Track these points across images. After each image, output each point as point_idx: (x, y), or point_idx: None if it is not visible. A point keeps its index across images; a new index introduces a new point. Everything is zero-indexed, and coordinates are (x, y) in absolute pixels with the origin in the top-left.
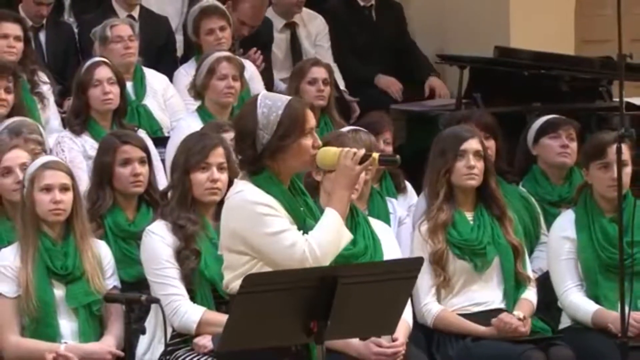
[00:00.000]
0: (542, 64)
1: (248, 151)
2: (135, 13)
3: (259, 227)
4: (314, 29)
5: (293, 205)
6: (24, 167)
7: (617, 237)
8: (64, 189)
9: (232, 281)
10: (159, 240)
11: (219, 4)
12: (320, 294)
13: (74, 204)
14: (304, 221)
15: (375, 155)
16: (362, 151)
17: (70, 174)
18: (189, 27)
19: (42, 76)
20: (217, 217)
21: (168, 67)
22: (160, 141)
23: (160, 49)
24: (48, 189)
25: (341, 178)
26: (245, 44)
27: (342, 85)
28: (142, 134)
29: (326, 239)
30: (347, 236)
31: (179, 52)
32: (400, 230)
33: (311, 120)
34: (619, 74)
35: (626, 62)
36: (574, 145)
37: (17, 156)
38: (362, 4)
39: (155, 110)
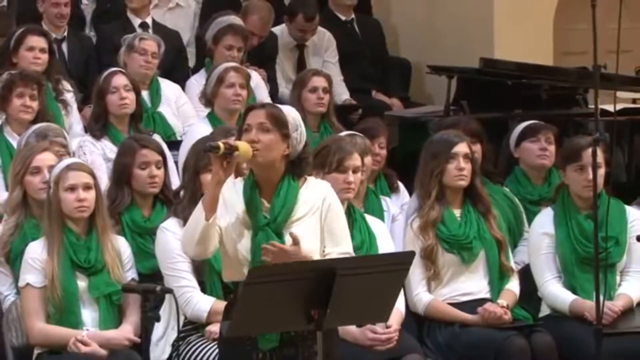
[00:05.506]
0: (524, 74)
1: None
2: (149, 20)
3: None
4: (323, 45)
5: (250, 202)
6: (51, 169)
7: (592, 232)
8: (87, 187)
9: None
10: (171, 236)
11: (244, 25)
12: (320, 284)
13: (96, 201)
14: (258, 221)
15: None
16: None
17: (92, 173)
18: (210, 32)
19: (66, 85)
20: None
21: (180, 78)
22: (174, 145)
23: (171, 63)
24: (72, 188)
25: None
26: (253, 57)
27: (346, 95)
28: (157, 138)
29: (187, 225)
30: (201, 221)
31: (191, 63)
32: (394, 226)
33: (248, 118)
34: (594, 83)
35: (601, 72)
36: (552, 148)
37: (46, 158)
38: (343, 18)
39: (169, 116)
